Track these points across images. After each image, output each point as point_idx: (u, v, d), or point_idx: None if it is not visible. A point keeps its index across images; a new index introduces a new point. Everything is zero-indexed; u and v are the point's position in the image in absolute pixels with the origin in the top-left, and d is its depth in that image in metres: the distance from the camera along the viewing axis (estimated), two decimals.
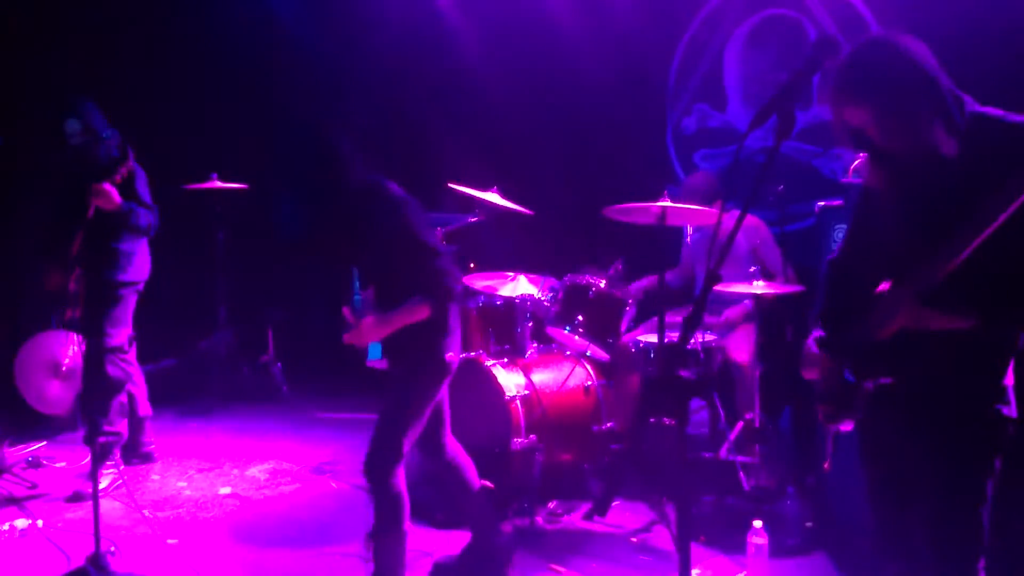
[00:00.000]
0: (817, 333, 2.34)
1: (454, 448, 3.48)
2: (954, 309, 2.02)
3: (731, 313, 4.73)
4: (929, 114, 2.03)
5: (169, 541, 3.98)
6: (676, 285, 5.15)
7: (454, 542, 3.77)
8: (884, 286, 2.12)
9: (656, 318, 4.27)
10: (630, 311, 4.60)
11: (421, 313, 3.07)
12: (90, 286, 4.45)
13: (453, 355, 3.27)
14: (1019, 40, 4.40)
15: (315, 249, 3.49)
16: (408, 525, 3.20)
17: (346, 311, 3.03)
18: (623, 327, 4.59)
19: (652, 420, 4.29)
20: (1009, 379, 2.16)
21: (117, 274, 4.61)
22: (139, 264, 4.72)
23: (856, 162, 3.80)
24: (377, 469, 3.13)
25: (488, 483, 3.62)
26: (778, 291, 4.12)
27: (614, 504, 4.23)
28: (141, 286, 4.77)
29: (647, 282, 4.95)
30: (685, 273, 5.18)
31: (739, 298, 4.62)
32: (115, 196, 4.35)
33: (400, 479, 3.15)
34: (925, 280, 1.99)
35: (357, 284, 3.41)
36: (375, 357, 3.13)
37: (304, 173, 3.15)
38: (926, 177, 2.09)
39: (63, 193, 4.57)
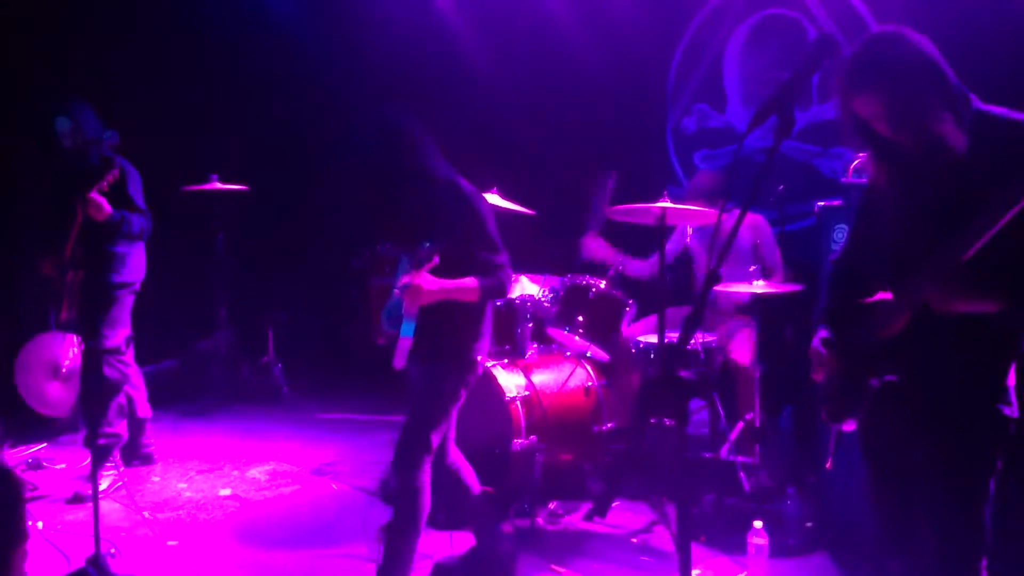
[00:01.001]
0: (822, 334, 2.34)
1: (455, 454, 3.49)
2: (975, 291, 2.00)
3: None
4: (940, 105, 2.03)
5: (169, 543, 3.97)
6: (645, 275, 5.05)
7: (455, 544, 3.76)
8: (884, 294, 2.12)
9: (656, 316, 4.26)
10: (630, 311, 4.60)
11: (471, 294, 3.14)
12: (86, 288, 4.45)
13: (483, 357, 3.33)
14: (1019, 40, 4.40)
15: (390, 230, 3.50)
16: (424, 525, 3.20)
17: (409, 261, 3.05)
18: (623, 326, 4.59)
19: (652, 420, 4.29)
20: (1011, 379, 2.16)
21: (112, 276, 4.60)
22: (134, 265, 4.71)
23: (856, 162, 3.80)
24: (405, 460, 3.16)
25: (489, 488, 3.62)
26: (777, 290, 4.12)
27: (614, 504, 4.23)
28: (137, 286, 4.76)
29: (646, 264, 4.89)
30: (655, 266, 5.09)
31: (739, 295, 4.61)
32: (105, 206, 4.33)
33: (426, 474, 3.17)
34: (939, 269, 1.97)
35: (400, 273, 3.40)
36: (407, 334, 3.12)
37: (388, 158, 3.18)
38: (931, 173, 2.09)
39: (58, 195, 4.57)
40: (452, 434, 3.45)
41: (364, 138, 3.22)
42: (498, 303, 4.69)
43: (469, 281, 3.15)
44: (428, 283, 3.07)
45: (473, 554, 3.59)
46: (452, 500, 3.61)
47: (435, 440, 3.20)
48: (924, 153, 2.08)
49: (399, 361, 3.17)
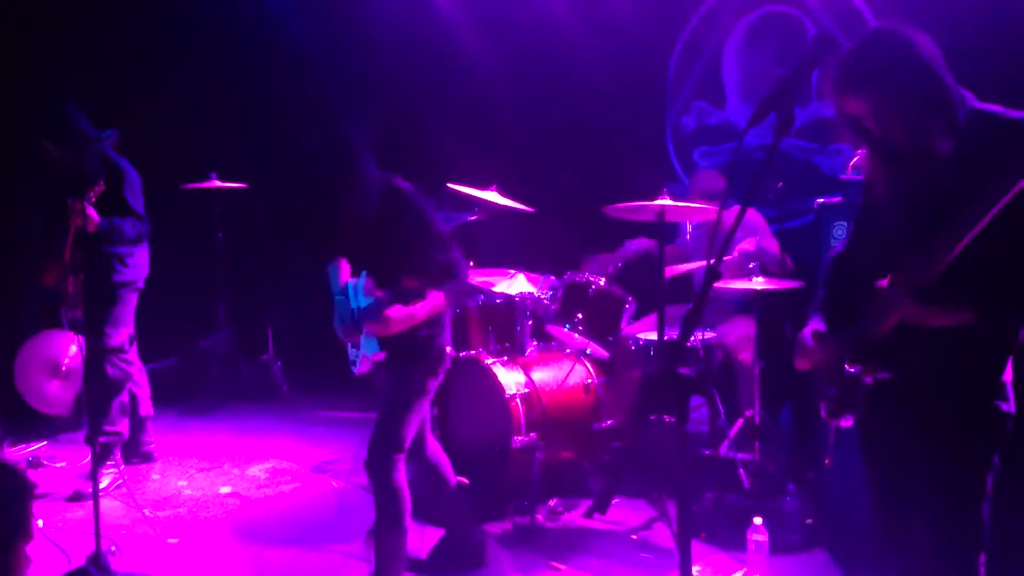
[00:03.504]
0: (815, 325, 2.34)
1: (434, 446, 3.50)
2: (952, 304, 2.03)
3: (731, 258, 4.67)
4: (928, 110, 2.04)
5: (169, 540, 3.98)
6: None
7: (427, 538, 3.75)
8: (883, 282, 2.12)
9: (656, 314, 4.27)
10: (630, 308, 4.60)
11: (440, 308, 3.15)
12: (88, 288, 4.44)
13: (451, 349, 3.33)
14: (1018, 37, 4.40)
15: (329, 247, 3.49)
16: (410, 522, 3.20)
17: (379, 294, 3.05)
18: (623, 323, 4.59)
19: (652, 417, 4.30)
20: (1007, 375, 2.17)
21: (113, 275, 4.60)
22: (136, 264, 4.71)
23: (855, 158, 3.80)
24: (378, 463, 3.15)
25: (464, 479, 3.63)
26: (777, 286, 4.12)
27: (614, 502, 4.23)
28: (141, 284, 4.76)
29: (640, 245, 4.91)
30: (676, 256, 5.12)
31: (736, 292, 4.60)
32: (93, 217, 4.29)
33: (401, 474, 3.17)
34: (920, 276, 2.00)
35: (337, 285, 3.42)
36: (371, 351, 3.16)
37: (326, 174, 3.14)
38: (923, 171, 2.10)
39: (56, 198, 4.55)
40: (428, 426, 3.47)
41: (310, 153, 3.17)
42: (497, 300, 4.70)
43: (434, 298, 3.13)
44: (397, 314, 3.06)
45: (444, 544, 3.62)
46: (427, 493, 3.61)
47: (407, 439, 3.19)
48: (914, 153, 2.09)
49: (363, 368, 3.20)
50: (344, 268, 3.44)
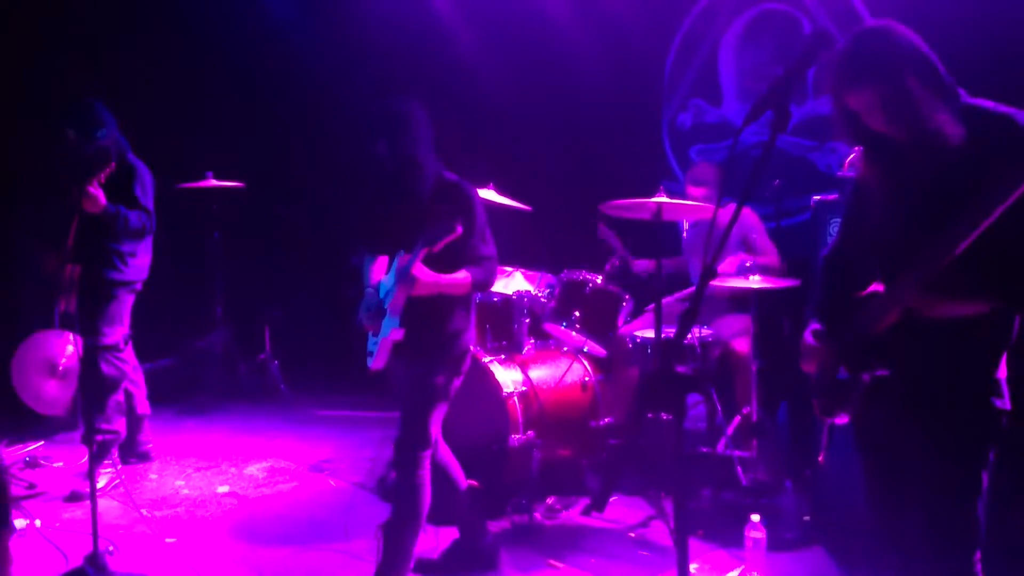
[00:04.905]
0: (814, 326, 2.35)
1: (444, 450, 3.50)
2: (961, 294, 2.02)
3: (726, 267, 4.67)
4: (934, 97, 2.03)
5: (167, 540, 3.97)
6: (669, 272, 5.12)
7: (440, 539, 3.75)
8: (876, 286, 2.13)
9: (651, 314, 4.27)
10: (627, 306, 4.60)
11: (462, 288, 3.18)
12: (86, 283, 4.45)
13: (473, 347, 3.38)
14: (1012, 35, 4.40)
15: (370, 235, 3.49)
16: (424, 521, 3.21)
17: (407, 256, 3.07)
18: (620, 321, 4.59)
19: (650, 415, 4.30)
20: (1002, 372, 2.17)
21: (112, 273, 4.60)
22: (137, 264, 4.71)
23: (852, 156, 3.81)
24: (407, 456, 3.17)
25: (474, 482, 3.63)
26: (774, 285, 4.12)
27: (612, 499, 4.24)
28: (139, 286, 4.76)
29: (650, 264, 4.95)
30: (682, 263, 5.17)
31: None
32: (100, 199, 4.33)
33: (426, 470, 3.20)
34: (927, 269, 1.99)
35: (368, 280, 3.41)
36: (388, 333, 3.13)
37: (392, 145, 3.16)
38: (923, 168, 2.09)
39: (59, 191, 4.56)
40: (440, 430, 3.46)
41: (371, 122, 3.20)
42: (495, 299, 4.70)
43: (462, 275, 3.18)
44: (425, 275, 3.08)
45: (456, 548, 3.61)
46: (438, 495, 3.61)
47: (434, 434, 3.23)
48: (917, 147, 2.08)
49: (379, 362, 3.19)
50: (378, 267, 3.44)
